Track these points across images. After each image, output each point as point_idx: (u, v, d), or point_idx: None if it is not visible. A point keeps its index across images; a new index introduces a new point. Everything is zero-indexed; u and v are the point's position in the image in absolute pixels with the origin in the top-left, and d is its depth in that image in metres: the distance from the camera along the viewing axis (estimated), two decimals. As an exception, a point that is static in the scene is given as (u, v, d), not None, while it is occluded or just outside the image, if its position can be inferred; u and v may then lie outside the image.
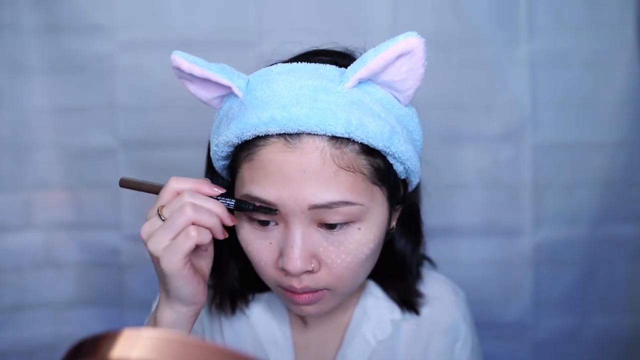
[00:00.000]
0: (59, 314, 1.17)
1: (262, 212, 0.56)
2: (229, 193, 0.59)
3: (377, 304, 0.72)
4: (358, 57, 0.62)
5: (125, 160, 1.14)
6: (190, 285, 0.55)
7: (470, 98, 1.13)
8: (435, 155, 1.10)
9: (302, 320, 0.73)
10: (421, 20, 1.12)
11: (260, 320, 0.72)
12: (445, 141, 1.13)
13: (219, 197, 0.56)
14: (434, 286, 0.75)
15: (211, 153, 0.62)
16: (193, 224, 0.53)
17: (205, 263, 0.59)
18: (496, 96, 1.13)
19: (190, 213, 0.52)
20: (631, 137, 1.13)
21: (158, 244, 0.53)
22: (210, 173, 0.67)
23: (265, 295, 0.73)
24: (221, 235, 0.56)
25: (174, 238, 0.53)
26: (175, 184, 0.55)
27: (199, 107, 1.00)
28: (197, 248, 0.57)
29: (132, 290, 1.16)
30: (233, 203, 0.56)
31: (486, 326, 1.10)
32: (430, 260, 0.78)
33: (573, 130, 1.13)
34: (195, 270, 0.56)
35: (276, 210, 0.55)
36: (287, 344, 0.71)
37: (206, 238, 0.54)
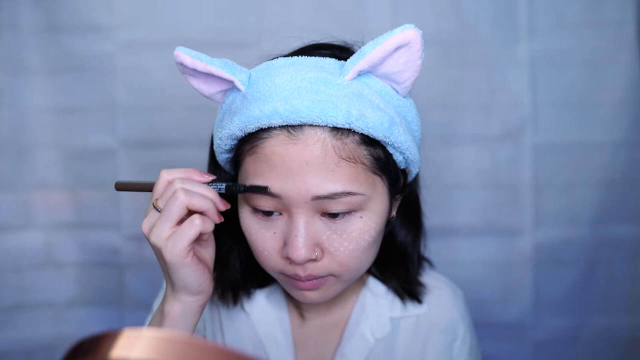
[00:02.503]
0: (59, 314, 1.17)
1: (253, 192, 0.57)
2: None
3: (376, 302, 0.72)
4: (357, 50, 0.62)
5: (125, 160, 1.14)
6: (195, 273, 0.55)
7: (470, 98, 1.13)
8: (435, 155, 1.10)
9: (301, 316, 0.73)
10: (421, 20, 1.11)
11: (259, 319, 0.72)
12: (445, 141, 1.13)
13: (210, 184, 0.57)
14: (432, 285, 0.75)
15: (214, 147, 0.63)
16: (187, 208, 0.53)
17: (208, 252, 0.60)
18: (496, 96, 1.13)
19: (182, 197, 0.53)
20: (631, 137, 1.12)
21: (160, 235, 0.54)
22: (213, 167, 0.68)
23: (265, 291, 0.74)
24: (217, 219, 0.56)
25: (174, 226, 0.54)
26: (166, 175, 0.56)
27: (199, 107, 1.00)
28: (199, 237, 0.57)
29: (132, 290, 1.16)
30: (224, 187, 0.57)
31: (486, 326, 1.10)
32: (428, 261, 0.78)
33: (573, 130, 1.13)
34: (199, 259, 0.57)
35: (266, 188, 0.56)
36: (286, 342, 0.71)
37: (210, 226, 0.54)
